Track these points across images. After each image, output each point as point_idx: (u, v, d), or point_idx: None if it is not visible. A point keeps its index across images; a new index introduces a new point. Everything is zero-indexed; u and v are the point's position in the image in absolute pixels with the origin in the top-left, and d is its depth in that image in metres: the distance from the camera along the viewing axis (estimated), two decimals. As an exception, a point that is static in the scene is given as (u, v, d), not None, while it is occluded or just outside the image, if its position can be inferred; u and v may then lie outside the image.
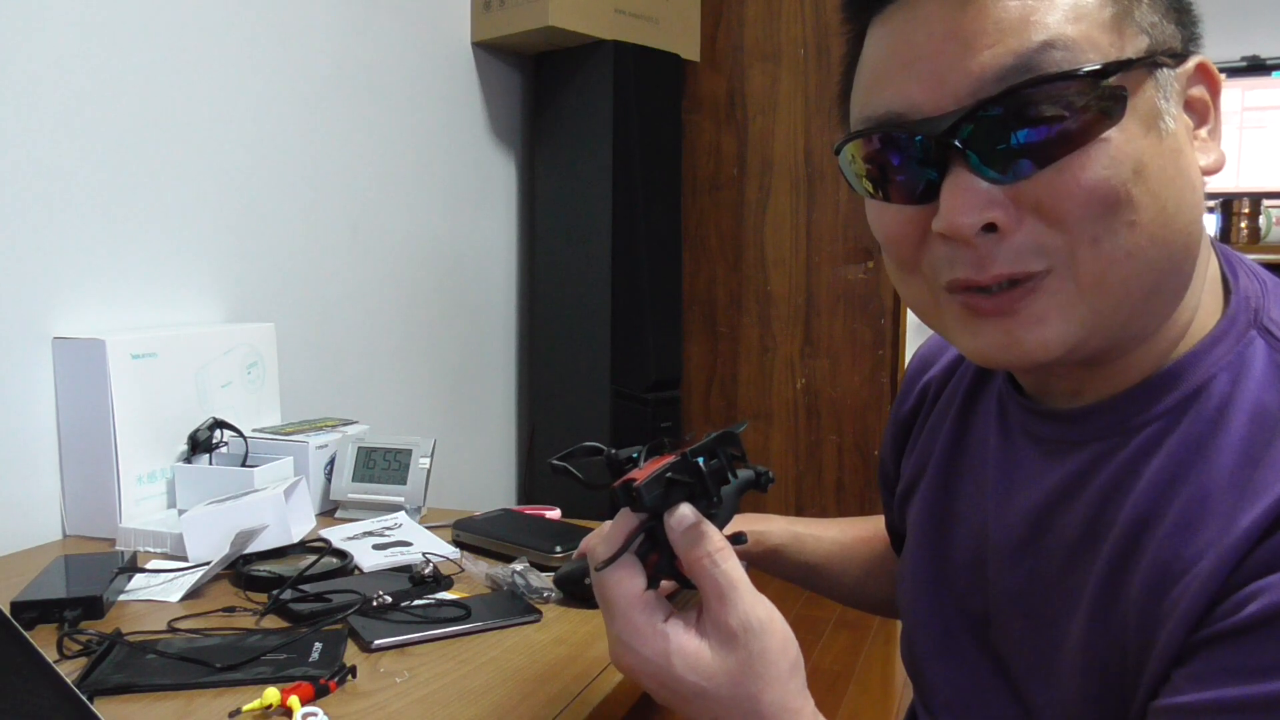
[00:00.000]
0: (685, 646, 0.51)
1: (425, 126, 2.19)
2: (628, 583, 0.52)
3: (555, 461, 0.57)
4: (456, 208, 2.34)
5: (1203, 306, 0.56)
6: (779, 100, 3.18)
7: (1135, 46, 0.50)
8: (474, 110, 2.41)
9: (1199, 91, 0.54)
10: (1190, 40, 0.54)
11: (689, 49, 2.70)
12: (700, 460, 0.50)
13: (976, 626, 0.66)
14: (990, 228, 0.51)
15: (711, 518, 0.51)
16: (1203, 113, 0.54)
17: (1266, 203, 2.53)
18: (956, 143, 0.50)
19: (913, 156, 0.52)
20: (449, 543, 1.12)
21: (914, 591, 0.71)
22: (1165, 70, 0.51)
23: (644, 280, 2.52)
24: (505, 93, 2.54)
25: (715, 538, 0.52)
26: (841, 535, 0.94)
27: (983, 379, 0.70)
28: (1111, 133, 0.49)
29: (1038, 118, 0.49)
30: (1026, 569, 0.61)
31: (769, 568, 0.91)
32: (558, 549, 1.04)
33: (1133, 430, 0.55)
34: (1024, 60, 0.49)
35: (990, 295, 0.52)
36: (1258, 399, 0.51)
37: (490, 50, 2.45)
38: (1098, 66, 0.49)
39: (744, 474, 0.55)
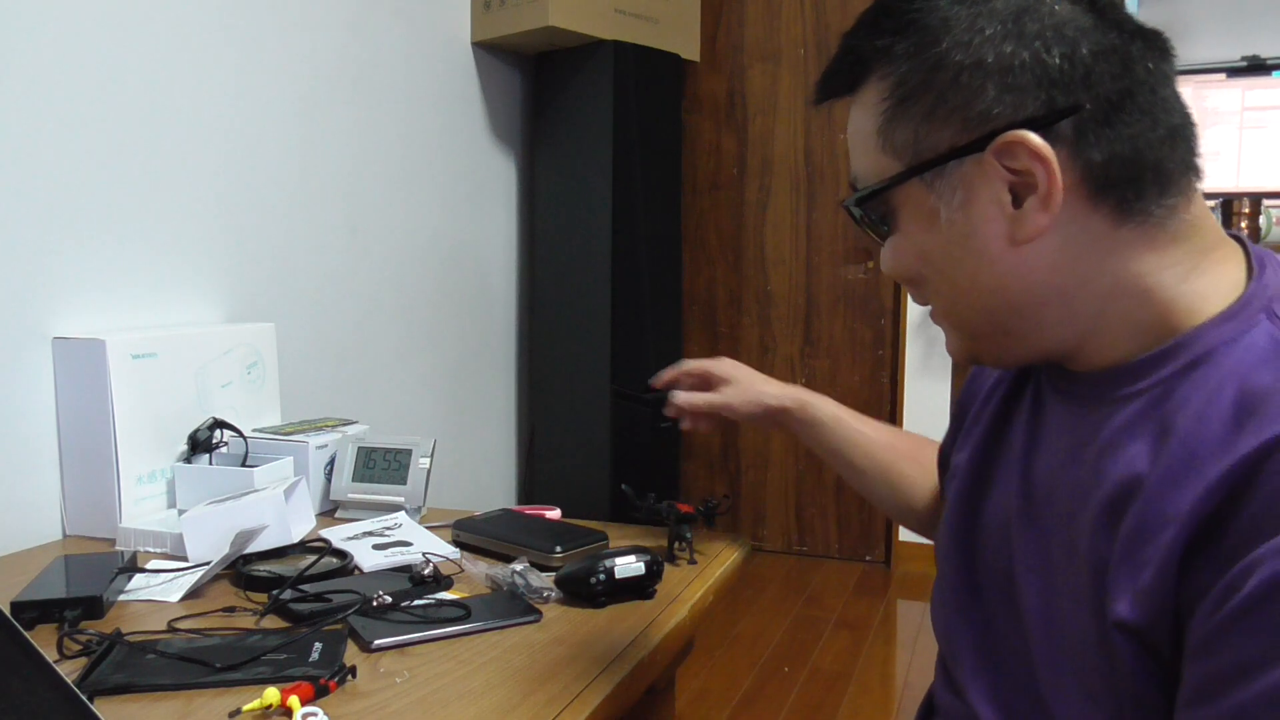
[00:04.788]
0: None
1: (425, 126, 2.19)
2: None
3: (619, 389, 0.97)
4: (456, 208, 2.34)
5: (1207, 297, 0.59)
6: (779, 100, 3.18)
7: (892, 165, 0.62)
8: (474, 110, 2.41)
9: (1022, 164, 0.58)
10: (1009, 117, 0.57)
11: (689, 49, 2.70)
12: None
13: (1002, 585, 0.68)
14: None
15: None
16: (1026, 185, 0.58)
17: (1266, 203, 2.53)
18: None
19: None
20: (449, 543, 1.12)
21: (946, 550, 0.75)
22: (936, 170, 0.60)
23: (644, 280, 2.52)
24: (505, 93, 2.54)
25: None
26: (886, 439, 1.02)
27: (1028, 369, 0.75)
28: (893, 235, 0.65)
29: (860, 224, 0.68)
30: (1038, 527, 0.65)
31: (805, 435, 1.04)
32: (558, 549, 1.04)
33: (1130, 396, 0.60)
34: (850, 183, 0.67)
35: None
36: (1251, 372, 0.55)
37: (490, 50, 2.45)
38: (865, 193, 0.64)
39: None
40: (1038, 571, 0.64)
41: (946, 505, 0.77)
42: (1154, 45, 0.60)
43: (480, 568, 1.01)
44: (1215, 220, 0.62)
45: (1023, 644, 0.65)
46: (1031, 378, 0.72)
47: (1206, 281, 0.59)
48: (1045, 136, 0.57)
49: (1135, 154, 0.58)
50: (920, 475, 0.98)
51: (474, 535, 1.13)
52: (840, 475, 1.04)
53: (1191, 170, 0.60)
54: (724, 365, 1.10)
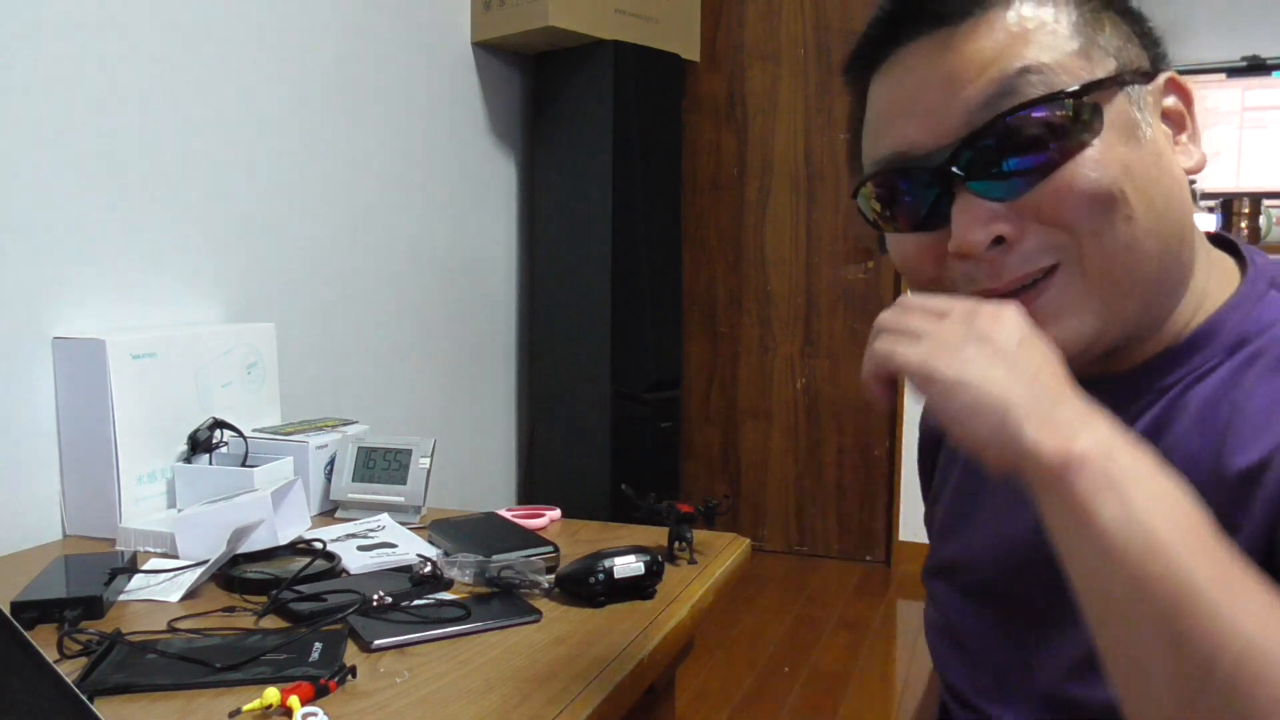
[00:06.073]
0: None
1: (425, 126, 2.19)
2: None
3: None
4: (456, 208, 2.34)
5: (1214, 287, 0.61)
6: (779, 100, 3.18)
7: (1104, 68, 0.56)
8: (474, 110, 2.41)
9: (1172, 103, 0.60)
10: (1157, 60, 0.60)
11: (689, 49, 2.70)
12: None
13: (1000, 603, 0.67)
14: (998, 241, 0.56)
15: None
16: (1179, 121, 0.60)
17: (1266, 203, 2.53)
18: (957, 170, 0.56)
19: (920, 189, 0.59)
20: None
21: (943, 578, 0.73)
22: (1135, 87, 0.57)
23: (644, 280, 2.52)
24: (505, 93, 2.54)
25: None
26: None
27: None
28: (1095, 142, 0.55)
29: (1027, 137, 0.55)
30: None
31: None
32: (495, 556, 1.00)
33: (1162, 389, 0.59)
34: (1006, 86, 0.55)
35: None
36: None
37: (490, 50, 2.45)
38: (1074, 87, 0.55)
39: None
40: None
41: (938, 542, 0.76)
42: None
43: (453, 572, 0.99)
44: None
45: (1022, 653, 0.63)
46: None
47: (1216, 261, 0.62)
48: None
49: None
50: None
51: (441, 537, 1.12)
52: None
53: None
54: None
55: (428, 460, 1.29)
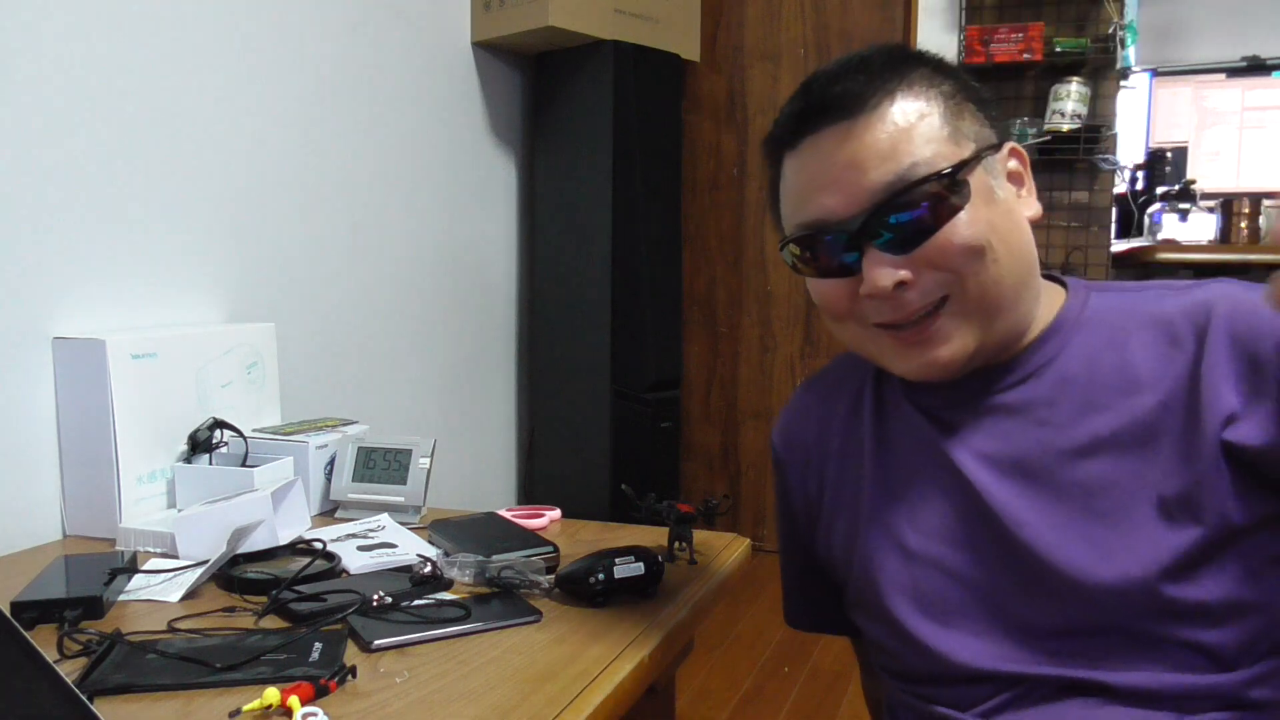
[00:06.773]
0: None
1: (425, 126, 2.19)
2: None
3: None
4: (457, 208, 2.34)
5: (1053, 301, 0.81)
6: (779, 100, 3.18)
7: (967, 149, 0.74)
8: (474, 110, 2.41)
9: (1014, 165, 0.79)
10: (1001, 134, 0.78)
11: (689, 49, 2.70)
12: None
13: (963, 580, 0.78)
14: (900, 285, 0.73)
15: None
16: (1019, 180, 0.79)
17: (1266, 203, 2.53)
18: (867, 235, 0.73)
19: (837, 247, 0.75)
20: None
21: (888, 583, 0.81)
22: (989, 159, 0.76)
23: (644, 280, 2.52)
24: (505, 93, 2.54)
25: None
26: None
27: (880, 407, 0.87)
28: (966, 207, 0.73)
29: (917, 208, 0.72)
30: (1057, 482, 0.75)
31: None
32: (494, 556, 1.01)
33: (1038, 367, 0.78)
34: (899, 176, 0.72)
35: (910, 329, 0.75)
36: (1105, 314, 0.78)
37: (490, 50, 2.46)
38: (948, 169, 0.72)
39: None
40: (1070, 514, 0.74)
41: (867, 552, 0.83)
42: None
43: (453, 572, 0.99)
44: None
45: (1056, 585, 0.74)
46: (893, 423, 0.85)
47: (1046, 287, 0.81)
48: None
49: None
50: None
51: (441, 537, 1.12)
52: None
53: None
54: None
55: (428, 460, 1.29)
